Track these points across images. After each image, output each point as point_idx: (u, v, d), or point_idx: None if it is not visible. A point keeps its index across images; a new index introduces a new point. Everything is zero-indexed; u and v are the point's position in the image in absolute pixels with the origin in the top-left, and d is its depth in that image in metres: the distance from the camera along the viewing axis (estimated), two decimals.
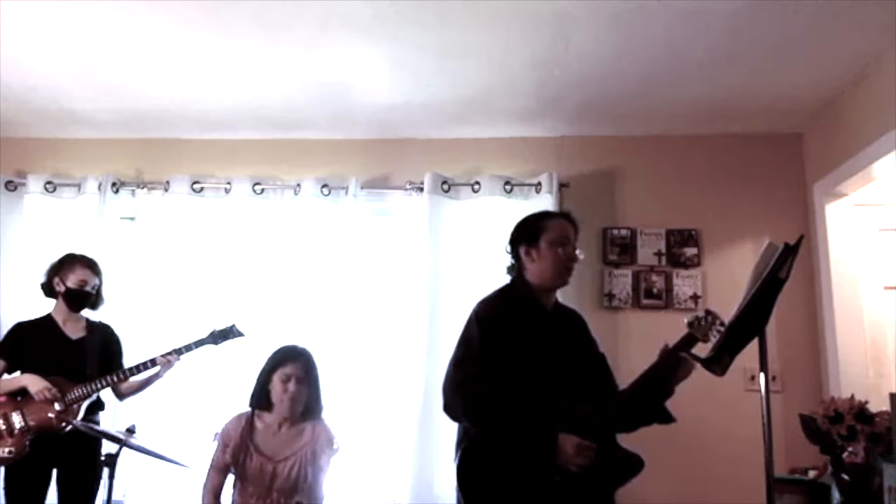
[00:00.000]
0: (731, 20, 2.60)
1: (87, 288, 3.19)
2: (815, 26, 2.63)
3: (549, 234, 2.31)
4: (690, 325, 2.16)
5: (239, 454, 2.67)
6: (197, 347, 3.17)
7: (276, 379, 2.71)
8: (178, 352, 3.14)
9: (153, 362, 3.12)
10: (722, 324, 2.15)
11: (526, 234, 2.35)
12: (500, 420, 2.09)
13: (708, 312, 2.17)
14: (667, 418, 2.23)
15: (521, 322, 2.23)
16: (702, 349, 2.17)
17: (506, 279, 2.41)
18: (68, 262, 3.22)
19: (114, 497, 2.69)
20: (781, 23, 2.61)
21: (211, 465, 2.73)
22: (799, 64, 2.93)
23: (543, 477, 2.02)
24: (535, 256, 2.30)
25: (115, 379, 3.09)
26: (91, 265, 3.23)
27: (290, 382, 2.69)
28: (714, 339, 2.15)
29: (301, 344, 2.88)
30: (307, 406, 2.74)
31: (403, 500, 3.38)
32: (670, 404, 2.24)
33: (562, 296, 2.48)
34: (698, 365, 2.13)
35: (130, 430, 2.65)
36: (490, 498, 2.07)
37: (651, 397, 2.20)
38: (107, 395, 3.24)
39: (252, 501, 2.62)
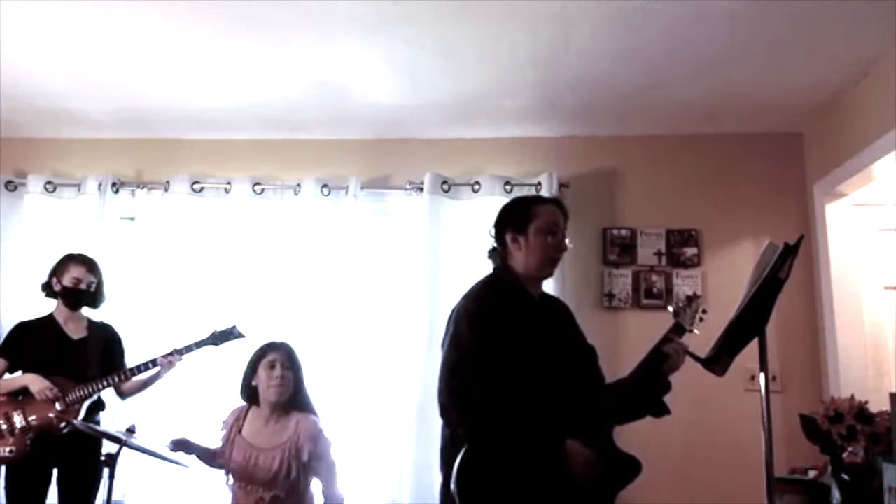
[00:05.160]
0: (730, 20, 2.60)
1: (82, 286, 3.19)
2: (815, 26, 2.62)
3: (539, 222, 2.20)
4: (676, 313, 2.16)
5: (229, 443, 2.76)
6: (198, 348, 3.18)
7: (262, 368, 2.79)
8: (180, 352, 3.15)
9: (154, 363, 3.12)
10: (704, 311, 2.16)
11: (514, 219, 2.23)
12: (500, 429, 2.01)
13: (689, 299, 2.16)
14: (661, 410, 2.18)
15: (511, 314, 2.14)
16: (702, 349, 2.18)
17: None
18: (64, 262, 3.23)
19: (114, 497, 2.69)
20: (782, 22, 2.61)
21: None
22: (799, 64, 2.93)
23: (548, 486, 1.98)
24: (522, 244, 2.20)
25: (117, 379, 3.10)
26: (86, 262, 3.23)
27: (276, 368, 2.76)
28: (699, 325, 2.15)
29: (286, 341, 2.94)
30: (293, 395, 2.78)
31: (403, 499, 3.39)
32: (671, 400, 2.23)
33: (562, 295, 2.47)
34: (687, 353, 2.13)
35: (130, 430, 2.66)
36: None
37: (644, 389, 2.16)
38: (108, 394, 3.24)
39: (239, 491, 2.71)
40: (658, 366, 2.13)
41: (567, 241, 2.25)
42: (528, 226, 2.20)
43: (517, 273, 2.22)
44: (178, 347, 3.16)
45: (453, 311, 2.20)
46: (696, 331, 2.16)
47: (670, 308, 2.19)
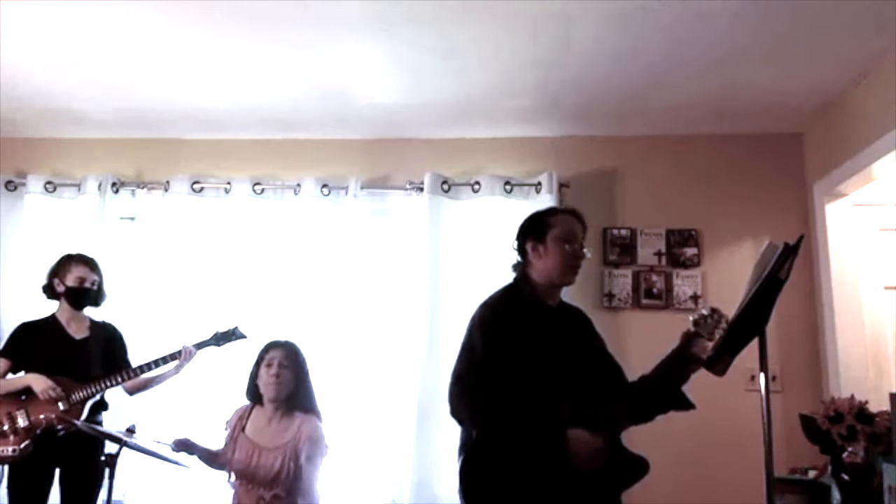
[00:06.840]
0: (730, 21, 2.60)
1: (87, 284, 3.20)
2: (816, 26, 2.63)
3: (556, 231, 2.29)
4: (696, 323, 2.18)
5: (232, 441, 2.78)
6: (200, 349, 3.19)
7: (262, 367, 2.83)
8: (199, 346, 3.19)
9: (172, 357, 3.13)
10: (727, 321, 2.17)
11: (533, 230, 2.33)
12: (506, 427, 2.07)
13: (713, 311, 2.19)
14: (687, 404, 2.22)
15: (524, 324, 2.21)
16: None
17: (509, 278, 2.38)
18: (64, 263, 3.23)
19: (114, 497, 2.68)
20: (782, 23, 2.61)
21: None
22: (799, 64, 2.93)
23: (552, 480, 2.00)
24: (542, 253, 2.28)
25: (120, 379, 3.10)
26: (87, 262, 3.24)
27: (273, 366, 2.80)
28: (718, 336, 2.17)
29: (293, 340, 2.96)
30: (294, 393, 2.81)
31: (403, 499, 3.39)
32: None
33: (563, 296, 2.47)
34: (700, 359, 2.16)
35: (130, 430, 2.66)
36: (495, 502, 2.04)
37: (670, 385, 2.20)
38: (110, 394, 3.23)
39: (240, 489, 2.73)
40: (685, 367, 2.19)
41: (585, 249, 2.32)
42: (546, 234, 2.29)
43: (535, 283, 2.31)
44: (186, 346, 3.16)
45: (470, 319, 2.27)
46: (716, 337, 2.18)
47: (691, 318, 2.21)
